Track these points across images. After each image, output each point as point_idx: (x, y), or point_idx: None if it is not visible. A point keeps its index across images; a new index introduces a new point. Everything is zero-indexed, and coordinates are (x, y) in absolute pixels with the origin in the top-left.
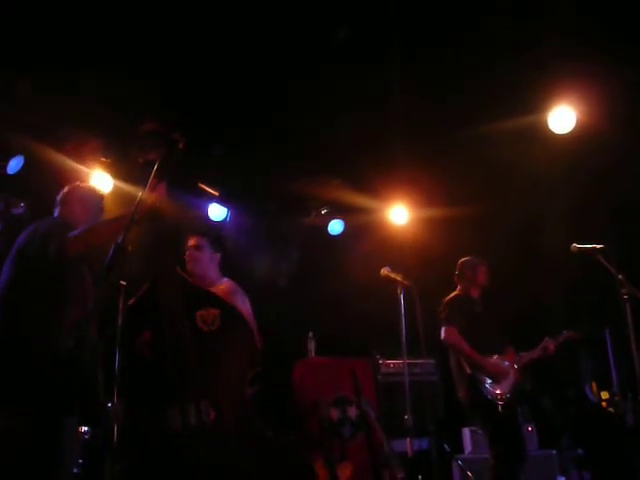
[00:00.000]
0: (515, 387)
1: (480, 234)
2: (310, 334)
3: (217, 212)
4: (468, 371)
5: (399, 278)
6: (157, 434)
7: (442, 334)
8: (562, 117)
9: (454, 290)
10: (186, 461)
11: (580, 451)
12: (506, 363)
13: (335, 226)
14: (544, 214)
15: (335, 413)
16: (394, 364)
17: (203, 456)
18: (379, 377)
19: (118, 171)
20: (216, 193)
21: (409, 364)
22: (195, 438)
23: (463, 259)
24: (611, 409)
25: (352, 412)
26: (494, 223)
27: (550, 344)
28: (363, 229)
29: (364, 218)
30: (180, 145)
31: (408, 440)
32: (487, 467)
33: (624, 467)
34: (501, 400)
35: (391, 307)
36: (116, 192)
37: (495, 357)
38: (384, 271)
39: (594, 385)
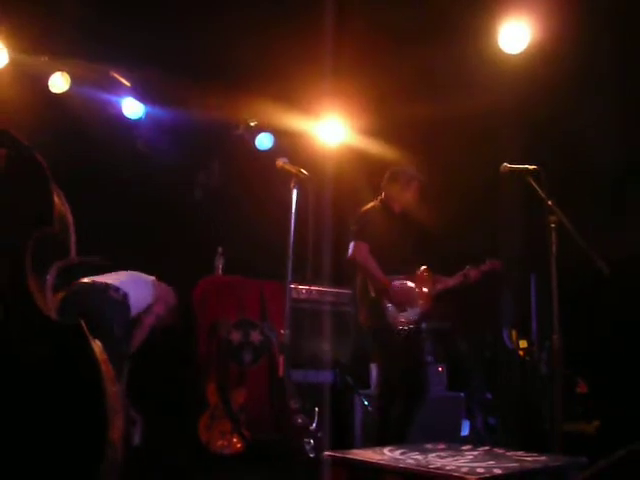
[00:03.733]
0: (421, 317)
1: (420, 150)
2: (219, 250)
3: (132, 109)
4: (372, 294)
5: (294, 170)
6: None
7: (349, 250)
8: (514, 35)
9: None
10: None
11: (488, 396)
12: (416, 290)
13: (263, 140)
14: (491, 134)
15: (236, 336)
16: (307, 290)
17: None
18: (289, 303)
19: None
20: (128, 84)
21: (323, 292)
22: None
23: (398, 167)
24: (527, 358)
25: (255, 337)
26: (435, 140)
27: (472, 272)
28: (294, 145)
29: (295, 134)
30: None
31: (281, 358)
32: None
33: (531, 415)
34: (402, 329)
35: (315, 230)
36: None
37: (406, 282)
38: (279, 162)
39: (514, 333)
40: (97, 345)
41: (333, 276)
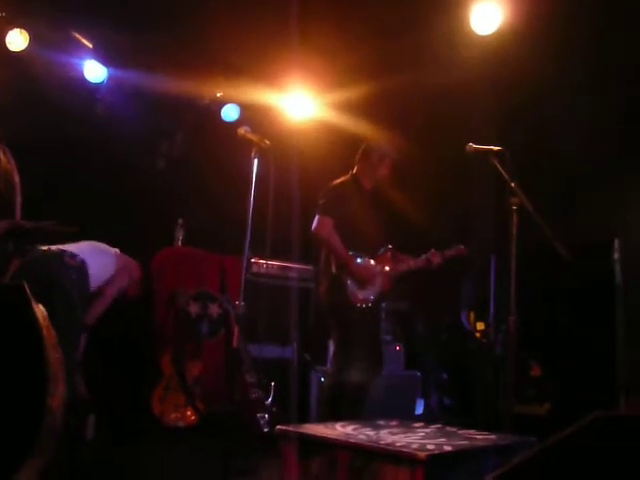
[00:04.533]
0: (380, 296)
1: (390, 128)
2: (180, 221)
3: (94, 72)
4: (334, 269)
5: (255, 139)
6: None
7: (314, 224)
8: (485, 15)
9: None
10: None
11: (445, 376)
12: (378, 268)
13: (229, 112)
14: (463, 116)
15: (195, 308)
16: (267, 265)
17: None
18: (248, 276)
19: None
20: (90, 45)
21: (284, 267)
22: None
23: (372, 142)
24: (484, 340)
25: (214, 310)
26: (405, 120)
27: (435, 257)
28: (261, 118)
29: (262, 106)
30: None
31: (236, 329)
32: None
33: (484, 396)
34: (361, 306)
35: (277, 204)
36: None
37: (367, 260)
38: (241, 131)
39: (472, 315)
40: (40, 310)
41: (300, 251)
